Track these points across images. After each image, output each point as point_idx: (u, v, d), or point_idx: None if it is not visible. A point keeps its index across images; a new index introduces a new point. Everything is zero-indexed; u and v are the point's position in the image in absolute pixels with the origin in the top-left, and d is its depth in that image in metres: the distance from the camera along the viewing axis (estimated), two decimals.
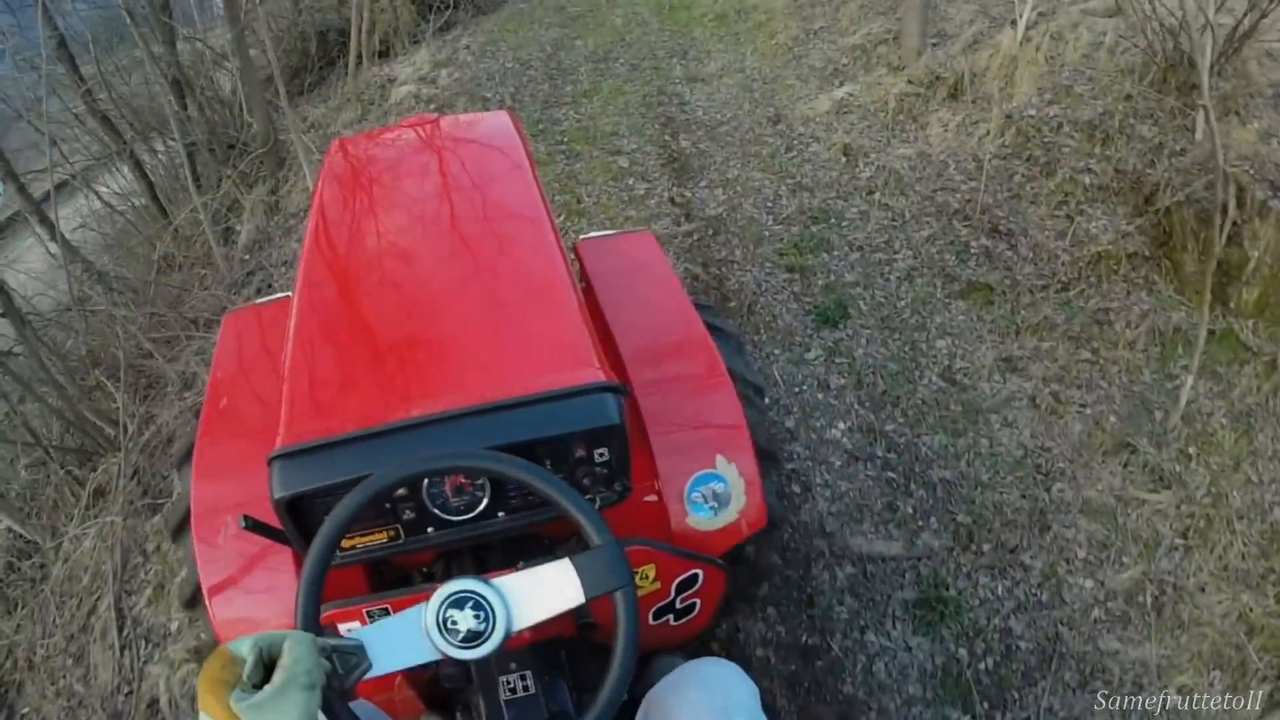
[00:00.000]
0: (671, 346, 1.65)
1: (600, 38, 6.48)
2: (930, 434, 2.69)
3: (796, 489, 2.47)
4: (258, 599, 1.37)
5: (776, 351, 2.95)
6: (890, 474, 2.55)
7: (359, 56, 5.77)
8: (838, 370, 2.89)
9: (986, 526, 2.42)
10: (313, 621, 0.91)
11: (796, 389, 2.81)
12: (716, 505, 1.40)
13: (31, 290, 4.16)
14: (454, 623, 0.87)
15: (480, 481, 1.20)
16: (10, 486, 3.29)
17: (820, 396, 2.79)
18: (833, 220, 3.68)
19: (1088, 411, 2.77)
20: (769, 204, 3.85)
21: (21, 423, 3.12)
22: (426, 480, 1.19)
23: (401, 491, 1.18)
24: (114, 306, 3.92)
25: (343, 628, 1.21)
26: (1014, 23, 4.52)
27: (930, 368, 2.92)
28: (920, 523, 2.43)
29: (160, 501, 2.86)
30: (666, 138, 4.61)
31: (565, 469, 1.22)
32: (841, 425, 2.70)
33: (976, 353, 2.98)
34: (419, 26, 6.73)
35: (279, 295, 2.18)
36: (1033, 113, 4.00)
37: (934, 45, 4.85)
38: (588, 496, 1.18)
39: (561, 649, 1.33)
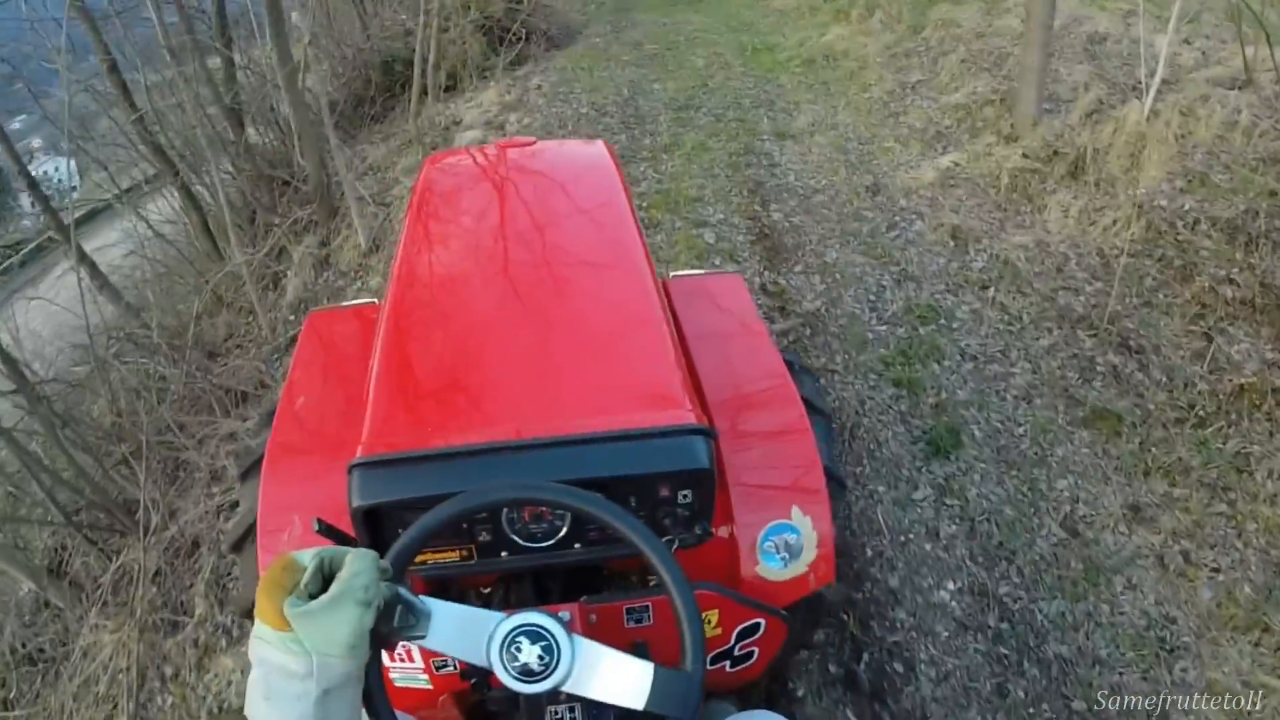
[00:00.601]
0: (755, 392, 1.62)
1: (680, 81, 6.31)
2: (1048, 598, 2.47)
3: (899, 668, 2.29)
4: None
5: (881, 489, 2.76)
6: (1002, 649, 2.35)
7: (423, 91, 5.57)
8: (949, 515, 2.68)
9: (1102, 717, 2.21)
10: (402, 563, 0.92)
11: (902, 538, 2.61)
12: (788, 556, 1.39)
13: (72, 321, 3.79)
14: (518, 649, 0.86)
15: (562, 512, 1.19)
16: (34, 549, 3.23)
17: (928, 548, 2.59)
18: (943, 320, 3.45)
19: (1220, 577, 2.51)
20: (872, 298, 3.63)
21: (45, 492, 2.97)
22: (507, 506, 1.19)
23: (482, 514, 1.18)
24: (145, 362, 3.74)
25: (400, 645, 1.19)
26: (1137, 91, 4.18)
27: (1050, 514, 2.69)
28: (1031, 710, 2.23)
29: (180, 619, 2.76)
30: (756, 207, 4.41)
31: (648, 509, 1.21)
32: (951, 585, 2.49)
33: (1101, 497, 2.74)
34: (488, 60, 6.53)
35: (363, 300, 2.18)
36: (1164, 203, 3.69)
37: (1048, 112, 4.54)
38: (667, 538, 1.21)
39: None
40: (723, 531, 1.40)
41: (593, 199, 1.88)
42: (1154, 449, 2.86)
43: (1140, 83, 4.04)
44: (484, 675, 0.94)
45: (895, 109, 5.26)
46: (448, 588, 1.47)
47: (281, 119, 5.32)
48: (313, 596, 0.72)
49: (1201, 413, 2.94)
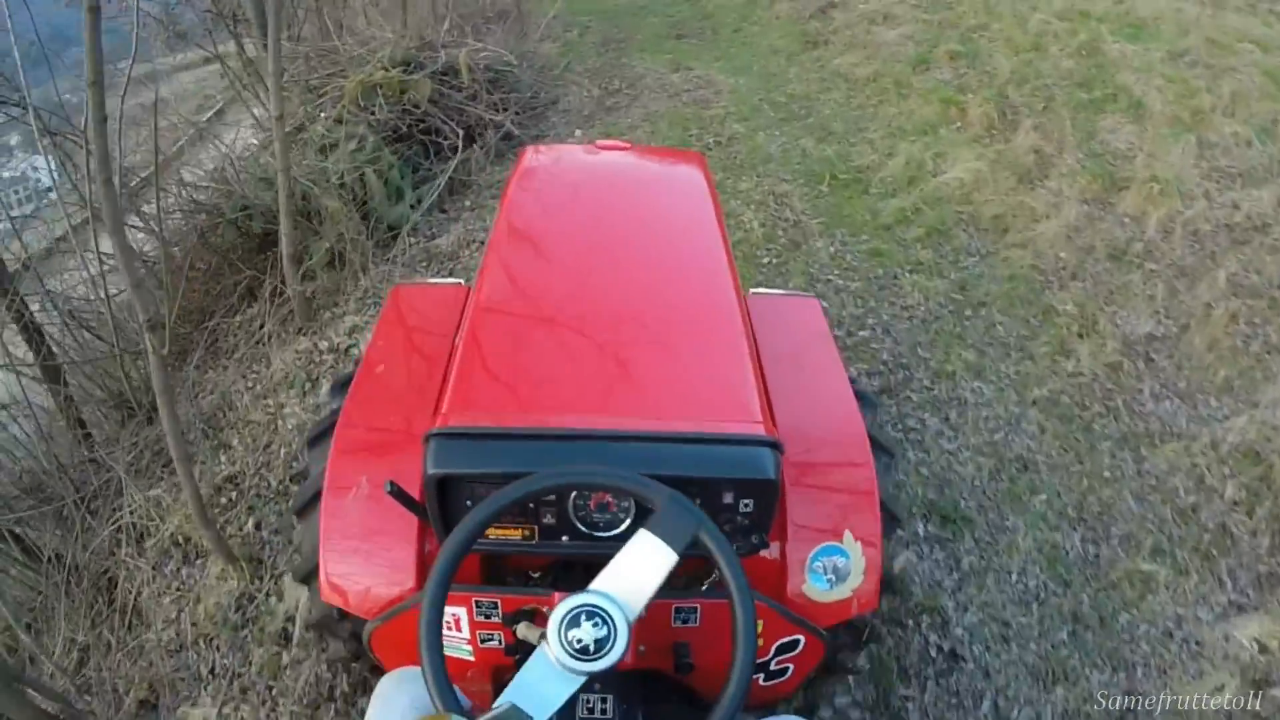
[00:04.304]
0: (822, 415, 1.63)
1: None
2: None
3: None
4: (372, 562, 1.37)
5: None
6: None
7: (274, 293, 3.37)
8: None
9: None
10: (446, 692, 0.91)
11: None
12: (834, 579, 1.39)
13: None
14: (579, 641, 0.89)
15: (626, 503, 1.22)
16: None
17: None
18: None
19: None
20: None
21: None
22: (575, 491, 1.21)
23: (550, 496, 1.19)
24: None
25: (448, 611, 1.17)
26: None
27: None
28: None
29: None
30: None
31: (708, 513, 1.10)
32: None
33: None
34: (399, 200, 3.97)
35: (449, 280, 2.23)
36: None
37: None
38: None
39: (646, 685, 1.29)
40: (773, 552, 1.41)
41: (685, 208, 1.91)
42: None
43: None
44: (529, 651, 0.95)
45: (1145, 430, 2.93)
46: (501, 566, 1.49)
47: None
48: None
49: None
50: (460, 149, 4.20)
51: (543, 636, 0.91)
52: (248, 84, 3.95)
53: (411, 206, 3.81)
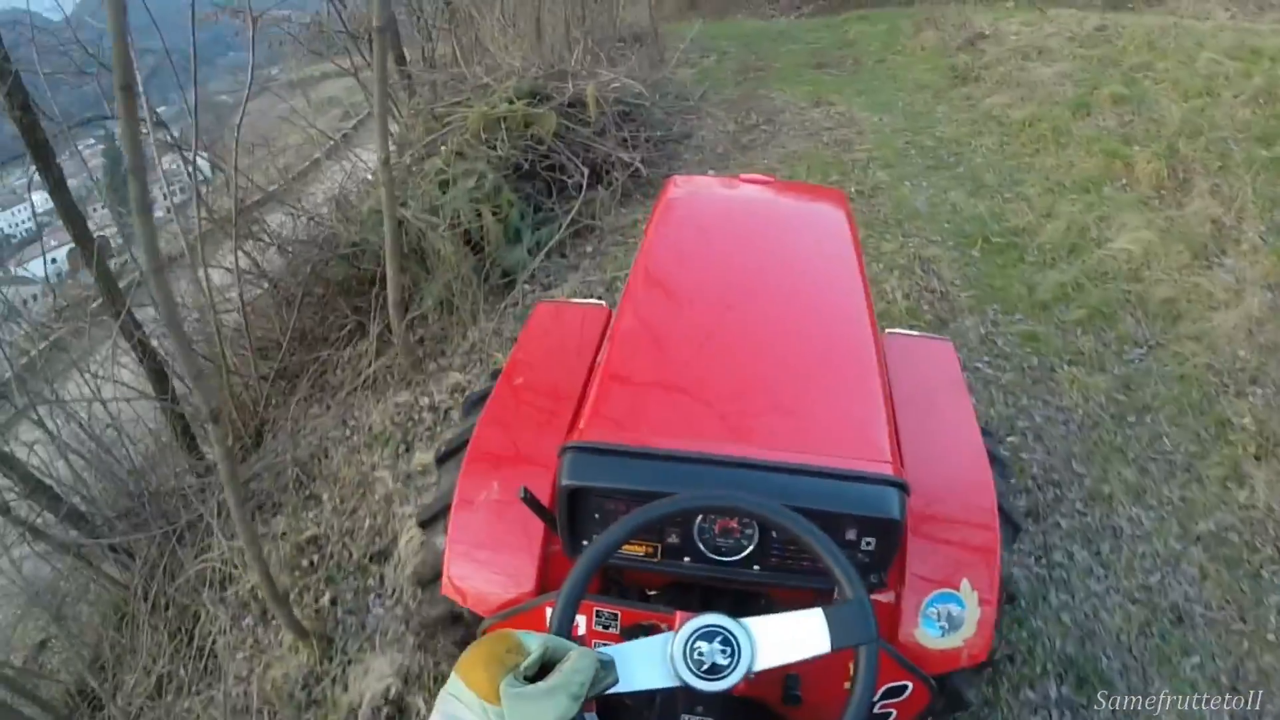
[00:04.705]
0: (949, 460, 1.59)
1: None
2: None
3: None
4: (495, 565, 1.38)
5: None
6: None
7: (376, 353, 3.16)
8: None
9: None
10: (567, 627, 0.92)
11: None
12: (947, 627, 1.36)
13: None
14: (700, 654, 0.89)
15: (750, 530, 1.23)
16: None
17: None
18: None
19: None
20: None
21: None
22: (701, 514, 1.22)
23: (679, 518, 1.22)
24: None
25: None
26: None
27: None
28: None
29: None
30: None
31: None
32: None
33: None
34: (518, 238, 3.70)
35: (591, 300, 2.29)
36: None
37: None
38: None
39: (752, 710, 1.29)
40: (889, 596, 1.38)
41: (824, 243, 1.90)
42: None
43: None
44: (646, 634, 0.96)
45: None
46: (619, 579, 1.46)
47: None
48: (528, 679, 0.75)
49: None
50: (584, 188, 3.93)
51: (650, 630, 0.91)
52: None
53: (530, 251, 3.58)
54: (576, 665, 0.76)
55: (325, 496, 2.75)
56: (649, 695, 0.90)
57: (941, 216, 4.20)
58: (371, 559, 2.43)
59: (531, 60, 4.45)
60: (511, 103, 3.82)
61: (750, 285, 1.70)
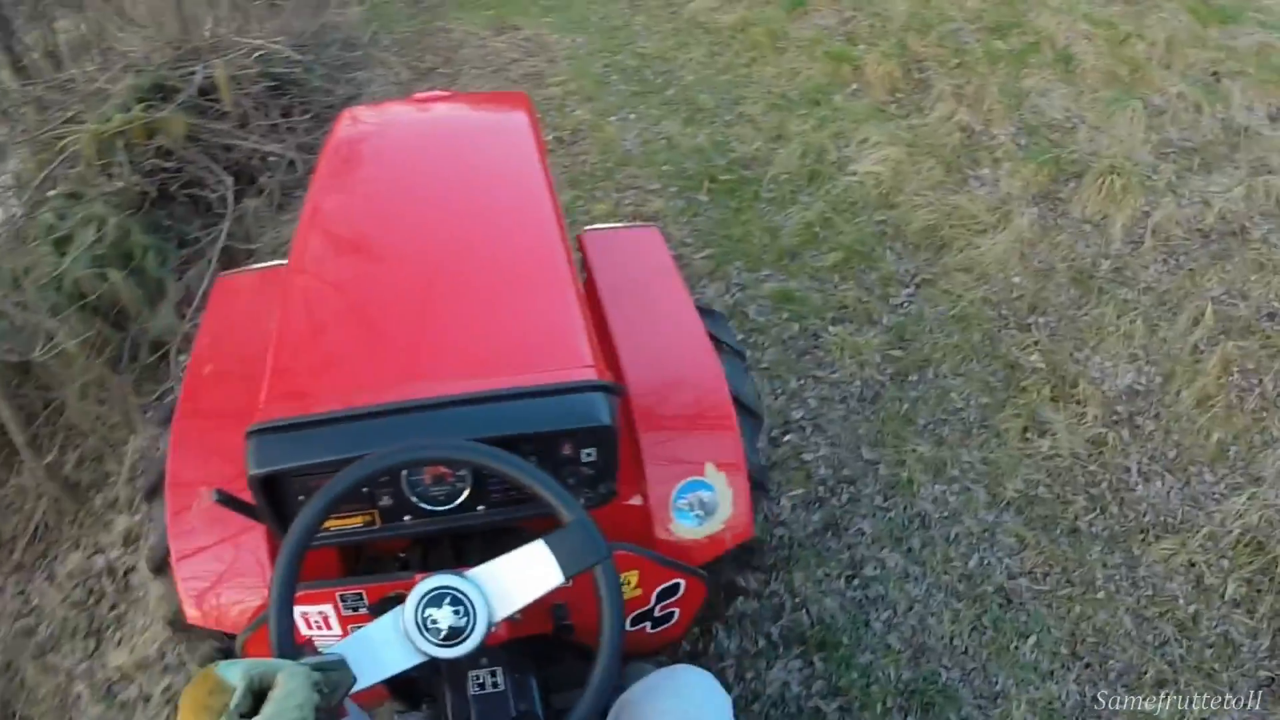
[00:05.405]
0: (670, 348, 1.60)
1: None
2: None
3: None
4: (226, 573, 1.31)
5: None
6: None
7: None
8: None
9: None
10: (288, 639, 0.87)
11: None
12: (703, 514, 1.37)
13: None
14: (434, 621, 0.87)
15: (462, 473, 1.17)
16: None
17: None
18: None
19: None
20: None
21: None
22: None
23: (382, 478, 1.15)
24: None
25: (314, 609, 1.17)
26: None
27: None
28: None
29: None
30: None
31: (550, 467, 1.13)
32: None
33: None
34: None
35: (275, 262, 2.04)
36: None
37: None
38: None
39: (535, 648, 1.25)
40: (637, 499, 1.39)
41: (505, 154, 1.81)
42: None
43: None
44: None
45: None
46: (359, 555, 1.43)
47: None
48: (244, 717, 0.67)
49: None
50: (233, 201, 3.03)
51: (400, 600, 0.87)
52: None
53: (179, 305, 2.70)
54: (287, 689, 0.70)
55: None
56: (433, 661, 0.83)
57: (657, 156, 3.69)
58: None
59: (156, 41, 3.38)
60: (129, 110, 2.87)
61: (425, 214, 1.60)
